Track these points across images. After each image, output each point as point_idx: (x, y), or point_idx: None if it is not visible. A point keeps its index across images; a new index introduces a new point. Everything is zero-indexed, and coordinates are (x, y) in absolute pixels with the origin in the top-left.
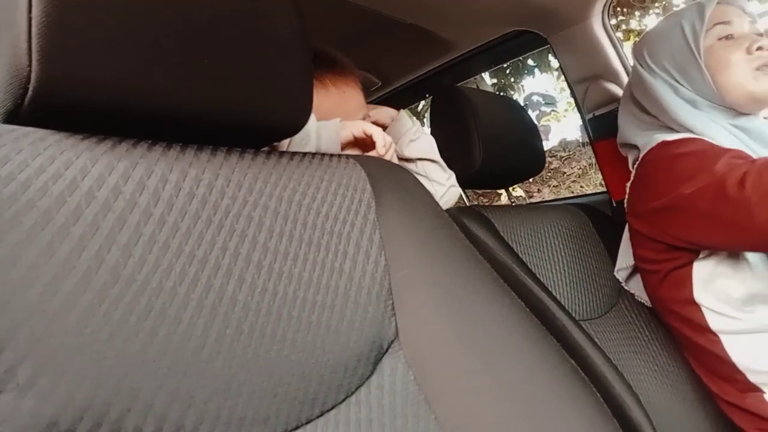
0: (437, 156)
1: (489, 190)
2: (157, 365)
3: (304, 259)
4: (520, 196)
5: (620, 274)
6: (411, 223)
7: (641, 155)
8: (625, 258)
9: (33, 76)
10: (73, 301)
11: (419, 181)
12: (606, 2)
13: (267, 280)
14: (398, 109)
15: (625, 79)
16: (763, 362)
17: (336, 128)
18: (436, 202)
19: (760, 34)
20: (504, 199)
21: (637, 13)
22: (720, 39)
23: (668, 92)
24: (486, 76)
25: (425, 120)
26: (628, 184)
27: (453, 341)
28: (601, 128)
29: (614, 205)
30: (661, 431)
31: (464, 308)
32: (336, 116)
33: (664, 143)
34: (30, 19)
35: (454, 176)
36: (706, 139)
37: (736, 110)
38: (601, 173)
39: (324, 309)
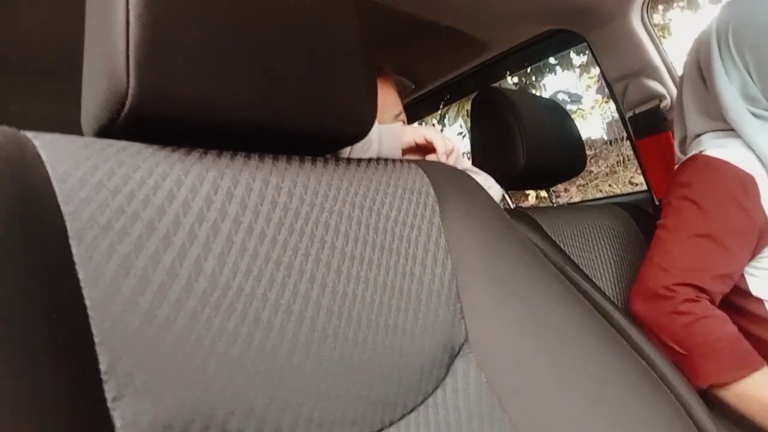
0: (467, 162)
1: (514, 191)
2: (255, 369)
3: (378, 263)
4: (545, 197)
5: None
6: (474, 226)
7: (682, 158)
8: None
9: (130, 92)
10: (179, 308)
11: (480, 185)
12: None
13: (346, 285)
14: (431, 111)
15: (666, 76)
16: None
17: (398, 133)
18: (498, 205)
19: None
20: (531, 200)
21: (660, 8)
22: None
23: (736, 83)
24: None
25: (447, 122)
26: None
27: (522, 342)
28: (643, 126)
29: (656, 203)
30: (723, 429)
31: (531, 309)
32: None
33: (698, 155)
34: (128, 36)
35: (490, 178)
36: (740, 164)
37: None
38: (642, 171)
39: (399, 312)
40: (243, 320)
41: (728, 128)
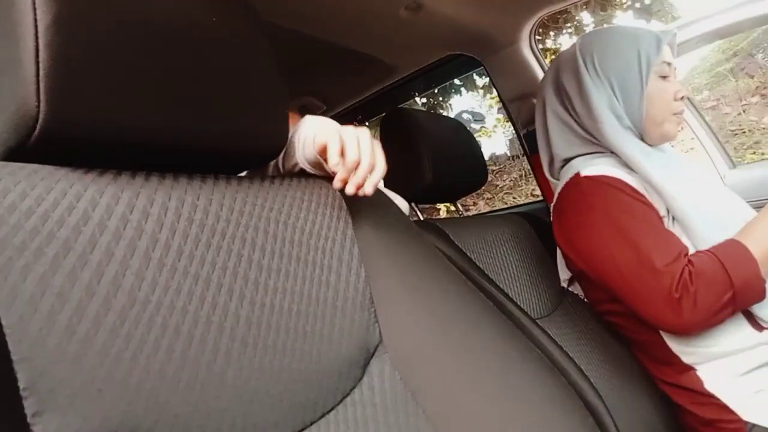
0: None
1: (427, 206)
2: (177, 379)
3: (294, 273)
4: (458, 209)
5: (564, 282)
6: (385, 236)
7: (558, 186)
8: (563, 271)
9: (41, 116)
10: (99, 324)
11: (389, 197)
12: (532, 27)
13: (264, 296)
14: None
15: None
16: (695, 343)
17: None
18: (406, 216)
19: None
20: (443, 213)
21: (551, 33)
22: (659, 76)
23: (603, 101)
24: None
25: None
26: (552, 206)
27: (431, 341)
28: (536, 142)
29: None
30: (612, 411)
31: (439, 310)
32: None
33: (577, 178)
34: (38, 63)
35: (392, 193)
36: (617, 176)
37: (644, 140)
38: (538, 183)
39: (316, 319)
40: (163, 332)
41: (594, 151)
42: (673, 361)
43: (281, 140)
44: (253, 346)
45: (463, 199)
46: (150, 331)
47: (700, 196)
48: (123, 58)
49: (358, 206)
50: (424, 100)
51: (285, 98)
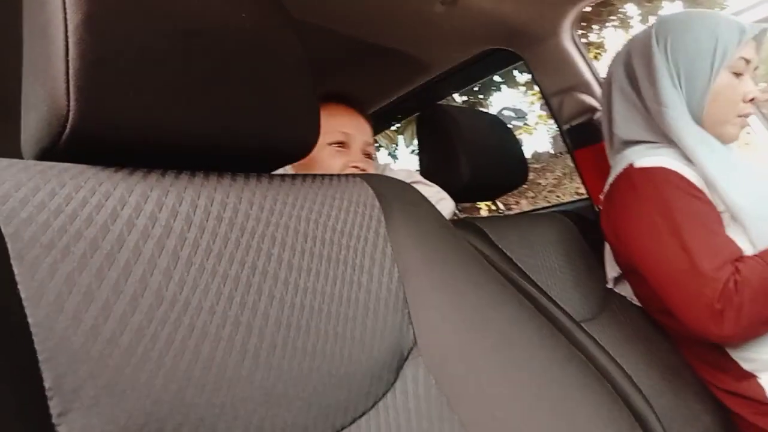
0: (418, 177)
1: (468, 205)
2: (204, 381)
3: (325, 274)
4: (499, 208)
5: (611, 281)
6: (419, 234)
7: (611, 175)
8: (611, 268)
9: (71, 115)
10: (125, 323)
11: (423, 195)
12: (573, 18)
13: (294, 296)
14: (380, 130)
15: (597, 89)
16: (755, 349)
17: None
18: (440, 214)
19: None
20: (483, 213)
21: (595, 27)
22: (732, 72)
23: (670, 86)
24: (455, 93)
25: (404, 141)
26: (602, 196)
27: (468, 344)
28: (579, 137)
29: (597, 209)
30: (663, 419)
31: (476, 312)
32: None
33: (630, 170)
34: (67, 62)
35: (442, 191)
36: (675, 168)
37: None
38: (582, 180)
39: (347, 321)
40: (191, 333)
41: (654, 141)
42: (732, 367)
43: (311, 139)
44: (282, 348)
45: (505, 197)
46: (177, 330)
47: (760, 193)
48: (153, 57)
49: (391, 204)
50: (464, 98)
51: (314, 96)
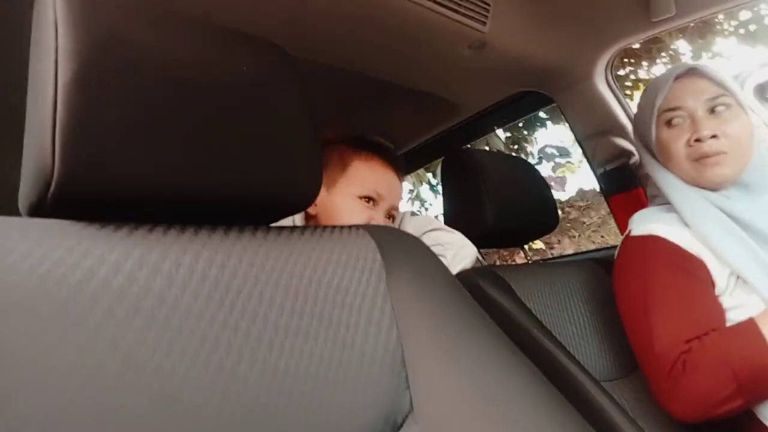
0: (438, 224)
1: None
2: None
3: (315, 334)
4: (541, 248)
5: None
6: (423, 292)
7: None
8: None
9: (56, 172)
10: (87, 389)
11: (429, 249)
12: (609, 60)
13: (278, 358)
14: (410, 170)
15: (632, 134)
16: None
17: None
18: (447, 269)
19: (712, 110)
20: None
21: (644, 63)
22: (666, 125)
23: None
24: (499, 130)
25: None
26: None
27: (469, 414)
28: (613, 182)
29: None
30: None
31: (479, 379)
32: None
33: (627, 237)
34: (55, 120)
35: (464, 238)
36: (666, 235)
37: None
38: (618, 227)
39: (336, 385)
40: (159, 401)
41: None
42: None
43: (312, 190)
44: (260, 414)
45: (547, 237)
46: (144, 398)
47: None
48: (144, 113)
49: (394, 257)
50: (508, 134)
51: (317, 148)
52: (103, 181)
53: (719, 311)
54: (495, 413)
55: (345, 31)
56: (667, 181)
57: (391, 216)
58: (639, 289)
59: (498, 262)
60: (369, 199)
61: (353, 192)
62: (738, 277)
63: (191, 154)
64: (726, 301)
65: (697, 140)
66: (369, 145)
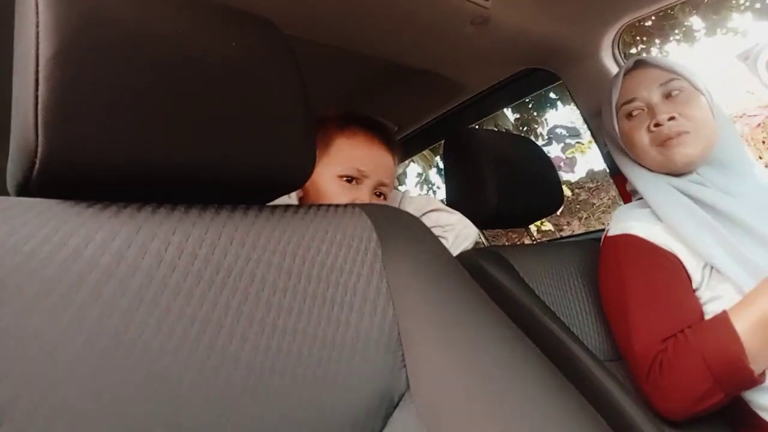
0: (437, 204)
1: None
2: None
3: (308, 313)
4: (549, 230)
5: None
6: (419, 270)
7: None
8: None
9: (39, 149)
10: (74, 369)
11: (426, 227)
12: (616, 36)
13: (270, 338)
14: (415, 151)
15: None
16: None
17: None
18: (444, 248)
19: (667, 96)
20: (534, 232)
21: (657, 41)
22: (626, 118)
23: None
24: (508, 111)
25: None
26: None
27: (466, 392)
28: None
29: None
30: None
31: (476, 357)
32: None
33: (605, 238)
34: (37, 97)
35: (464, 218)
36: (638, 233)
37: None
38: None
39: (330, 363)
40: (148, 379)
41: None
42: (758, 423)
43: (306, 168)
44: (252, 394)
45: (556, 218)
46: (132, 377)
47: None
48: (128, 90)
49: (390, 236)
50: (517, 115)
51: (311, 127)
52: (87, 160)
53: (695, 307)
54: (491, 392)
55: (345, 10)
56: (635, 173)
57: (380, 194)
58: (615, 290)
59: (507, 243)
60: (351, 178)
61: (333, 172)
62: (712, 268)
63: (177, 133)
64: (703, 294)
65: (657, 125)
66: (355, 121)
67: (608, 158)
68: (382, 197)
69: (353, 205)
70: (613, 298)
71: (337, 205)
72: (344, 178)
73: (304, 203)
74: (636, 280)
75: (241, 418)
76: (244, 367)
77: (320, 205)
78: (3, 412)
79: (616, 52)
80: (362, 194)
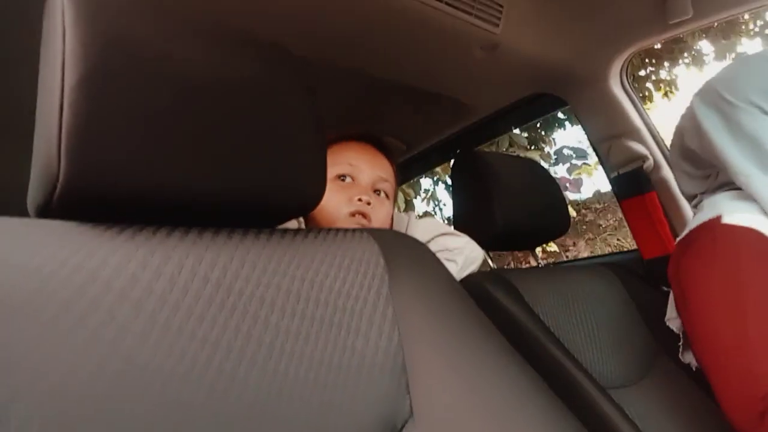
0: (445, 228)
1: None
2: None
3: (315, 337)
4: (555, 251)
5: (672, 323)
6: (425, 297)
7: (696, 218)
8: (672, 308)
9: (61, 174)
10: (88, 390)
11: (433, 254)
12: (625, 63)
13: (278, 361)
14: (423, 171)
15: (648, 137)
16: None
17: None
18: (450, 275)
19: None
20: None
21: (666, 64)
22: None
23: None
24: (516, 129)
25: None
26: (679, 238)
27: (468, 420)
28: (626, 186)
29: (645, 263)
30: None
31: (480, 385)
32: None
33: (716, 223)
34: (61, 122)
35: (471, 241)
36: (764, 230)
37: None
38: (631, 231)
39: (335, 389)
40: (159, 402)
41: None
42: None
43: (316, 194)
44: (258, 418)
45: (563, 239)
46: (144, 400)
47: None
48: (149, 116)
49: (397, 261)
50: (525, 134)
51: (322, 151)
52: (107, 184)
53: None
54: (494, 422)
55: (356, 33)
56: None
57: (381, 192)
58: (732, 290)
59: (512, 264)
60: (345, 176)
61: (329, 175)
62: None
63: (196, 158)
64: None
65: None
66: (349, 134)
67: (615, 183)
68: (383, 195)
69: (361, 230)
70: (725, 302)
71: (345, 230)
72: (339, 178)
73: (312, 216)
74: (763, 288)
75: None
76: (252, 391)
77: (329, 230)
78: (19, 429)
79: (624, 78)
80: (360, 190)
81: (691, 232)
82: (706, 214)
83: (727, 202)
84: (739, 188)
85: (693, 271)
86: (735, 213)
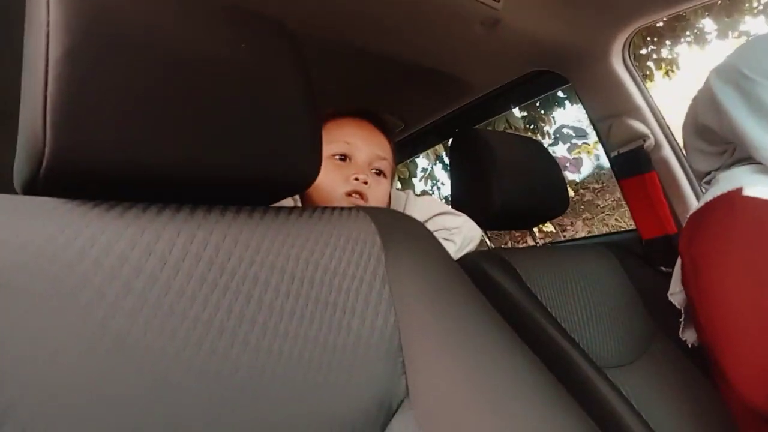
0: (443, 207)
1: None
2: None
3: (310, 317)
4: (552, 231)
5: (675, 298)
6: (422, 276)
7: (711, 192)
8: (677, 282)
9: (47, 148)
10: (77, 370)
11: (430, 232)
12: (627, 40)
13: (272, 341)
14: (422, 149)
15: (649, 116)
16: None
17: None
18: (447, 254)
19: None
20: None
21: (667, 42)
22: None
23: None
24: (515, 109)
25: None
26: (692, 211)
27: (464, 400)
28: (626, 166)
29: (644, 243)
30: None
31: (476, 365)
32: None
33: (737, 195)
34: (45, 97)
35: (469, 220)
36: None
37: None
38: (630, 211)
39: (330, 369)
40: (150, 382)
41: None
42: None
43: (311, 172)
44: (251, 398)
45: (560, 219)
46: (135, 380)
47: None
48: (137, 91)
49: (394, 241)
50: (524, 114)
51: (317, 129)
52: (95, 159)
53: None
54: (490, 401)
55: (353, 6)
56: None
57: (379, 171)
58: (753, 264)
59: (510, 244)
60: (343, 156)
61: (325, 154)
62: None
63: (186, 133)
64: None
65: None
66: (345, 112)
67: (615, 162)
68: (382, 175)
69: (357, 209)
70: (749, 275)
71: (341, 209)
72: (336, 157)
73: (308, 195)
74: None
75: (241, 422)
76: (245, 371)
77: (325, 208)
78: (7, 413)
79: (627, 56)
80: (357, 169)
81: (707, 204)
82: (723, 186)
83: (748, 175)
84: (756, 163)
85: (710, 242)
86: (757, 185)
